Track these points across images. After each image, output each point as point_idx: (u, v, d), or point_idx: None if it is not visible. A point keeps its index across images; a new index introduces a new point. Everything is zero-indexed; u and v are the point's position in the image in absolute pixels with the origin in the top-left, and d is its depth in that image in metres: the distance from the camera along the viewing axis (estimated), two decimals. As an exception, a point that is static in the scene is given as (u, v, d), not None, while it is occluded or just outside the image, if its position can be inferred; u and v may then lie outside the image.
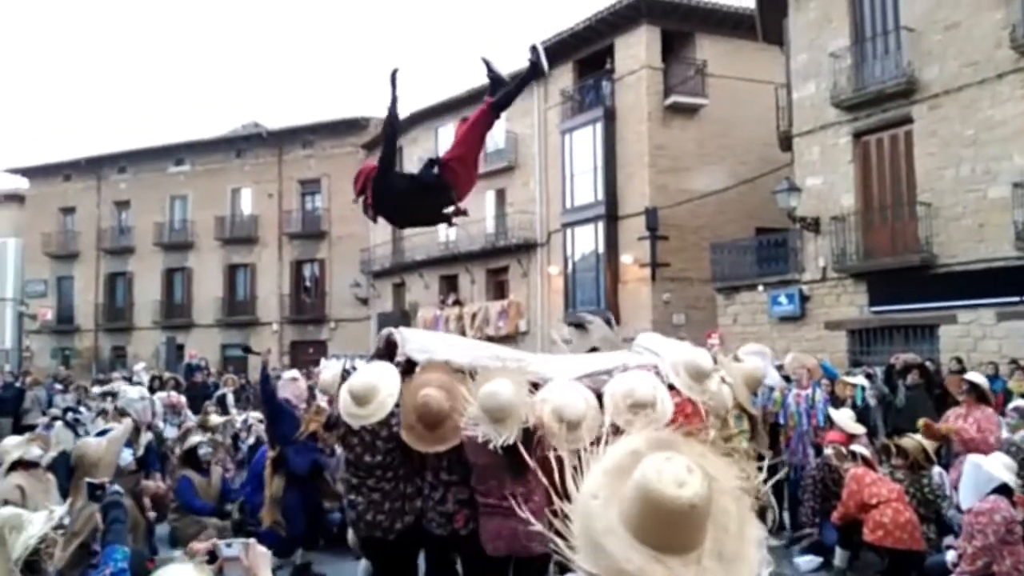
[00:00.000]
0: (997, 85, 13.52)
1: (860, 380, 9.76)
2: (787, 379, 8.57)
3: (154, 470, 8.28)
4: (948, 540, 6.15)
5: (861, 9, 15.96)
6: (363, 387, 4.80)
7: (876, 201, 15.60)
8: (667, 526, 1.56)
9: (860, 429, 7.61)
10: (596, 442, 1.79)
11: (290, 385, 7.40)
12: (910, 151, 14.89)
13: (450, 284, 27.02)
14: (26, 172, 37.79)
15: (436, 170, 4.39)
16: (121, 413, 9.00)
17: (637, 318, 19.17)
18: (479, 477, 4.47)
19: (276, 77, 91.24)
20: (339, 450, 6.42)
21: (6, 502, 4.55)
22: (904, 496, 6.37)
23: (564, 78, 23.21)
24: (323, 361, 11.32)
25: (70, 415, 11.31)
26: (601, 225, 21.34)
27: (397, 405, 4.76)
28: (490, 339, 23.28)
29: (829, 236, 15.92)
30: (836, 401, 8.85)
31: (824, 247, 16.07)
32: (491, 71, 4.62)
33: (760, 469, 2.02)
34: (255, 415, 9.33)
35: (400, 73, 4.22)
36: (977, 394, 7.10)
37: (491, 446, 4.10)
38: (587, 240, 21.89)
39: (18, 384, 16.20)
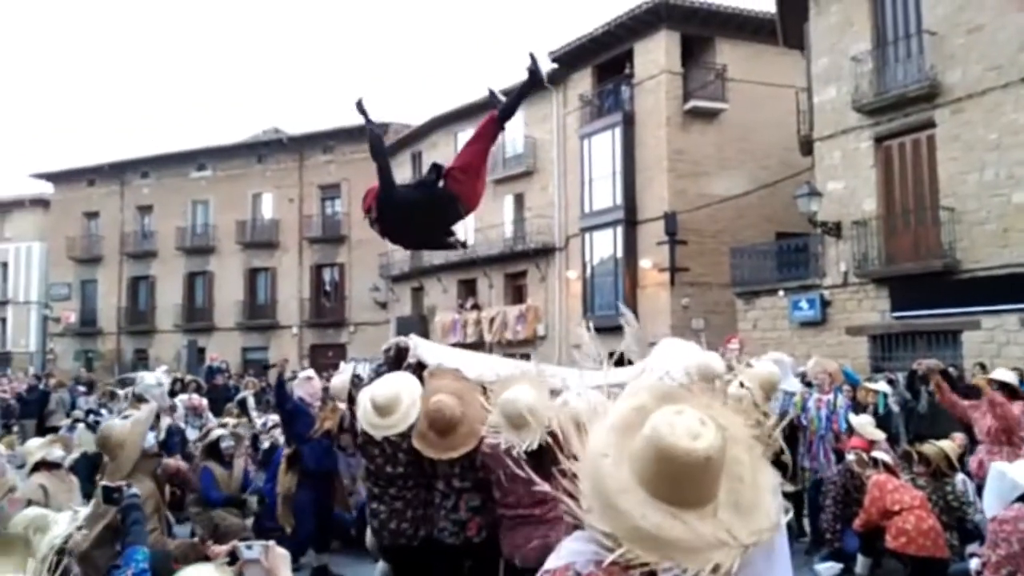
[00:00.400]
0: (1021, 89, 13.38)
1: (883, 386, 9.67)
2: (808, 384, 8.50)
3: (174, 452, 8.36)
4: (971, 548, 6.08)
5: (883, 12, 15.83)
6: (386, 398, 4.76)
7: (898, 206, 15.46)
8: (682, 480, 1.53)
9: (879, 435, 7.53)
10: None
11: (305, 384, 7.47)
12: (933, 155, 14.74)
13: (468, 288, 27.06)
14: (51, 177, 38.31)
15: (439, 179, 4.37)
16: (138, 399, 9.06)
17: (656, 323, 19.09)
18: (504, 487, 4.38)
19: (296, 83, 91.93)
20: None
21: (29, 502, 4.60)
22: (927, 503, 6.30)
23: (583, 83, 23.22)
24: (342, 365, 11.41)
25: (92, 417, 11.46)
26: (620, 230, 21.30)
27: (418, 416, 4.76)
28: (508, 343, 23.34)
29: (850, 241, 15.78)
30: (858, 407, 8.78)
31: (845, 252, 15.94)
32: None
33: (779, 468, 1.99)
34: (274, 418, 9.40)
35: (366, 101, 4.30)
36: (1009, 391, 6.96)
37: (514, 452, 4.07)
38: (606, 245, 21.85)
39: (42, 386, 16.40)
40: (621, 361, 5.59)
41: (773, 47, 20.17)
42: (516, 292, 25.80)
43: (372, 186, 4.46)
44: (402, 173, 30.50)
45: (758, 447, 1.70)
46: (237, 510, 7.60)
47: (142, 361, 33.38)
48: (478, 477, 4.63)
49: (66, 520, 3.15)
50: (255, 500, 8.04)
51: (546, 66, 23.69)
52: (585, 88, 23.13)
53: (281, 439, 8.22)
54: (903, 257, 15.07)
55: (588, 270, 22.39)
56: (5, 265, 39.86)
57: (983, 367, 11.84)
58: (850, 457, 7.22)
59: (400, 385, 4.89)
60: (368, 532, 5.89)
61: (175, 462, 6.84)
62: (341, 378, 6.98)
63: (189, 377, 17.10)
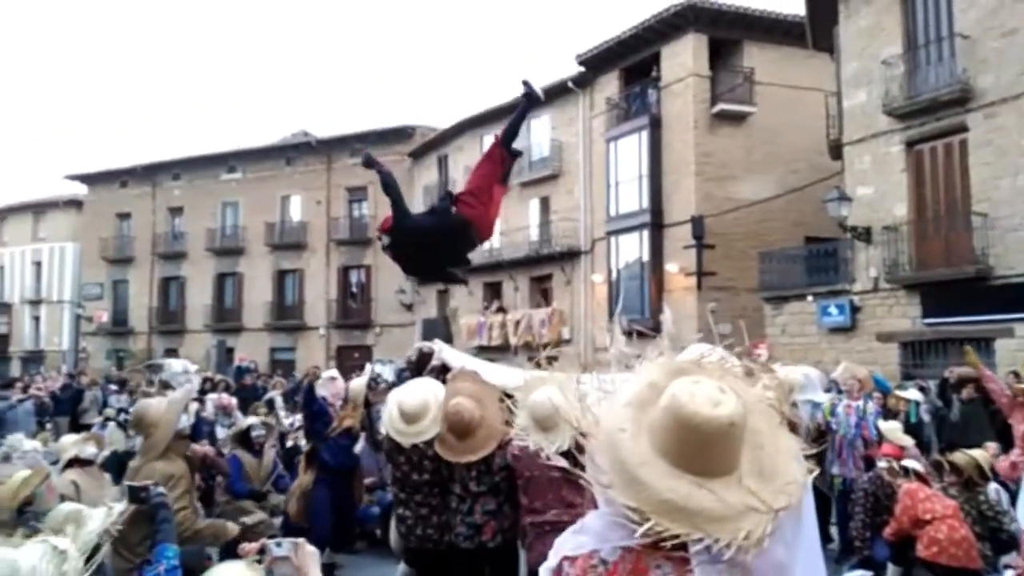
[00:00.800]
0: (1056, 93, 13.16)
1: (914, 395, 9.52)
2: (839, 391, 8.41)
3: (201, 437, 8.45)
4: (1006, 559, 5.98)
5: (914, 16, 15.63)
6: (414, 405, 4.75)
7: (930, 211, 15.24)
8: (706, 448, 1.51)
9: (908, 441, 7.42)
10: None
11: (328, 384, 7.58)
12: (965, 160, 14.52)
13: (494, 291, 27.09)
14: (85, 179, 38.95)
15: (452, 205, 4.45)
16: (164, 386, 9.15)
17: (682, 328, 18.94)
18: (533, 492, 4.36)
19: (325, 87, 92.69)
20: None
21: (63, 498, 4.68)
22: (959, 512, 6.20)
23: (610, 86, 23.17)
24: (366, 367, 11.53)
25: (123, 416, 11.61)
26: (646, 233, 21.20)
27: None
28: (530, 347, 23.30)
29: (881, 246, 15.58)
30: (888, 415, 8.66)
31: (875, 257, 15.74)
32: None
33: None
34: (301, 418, 9.48)
35: (370, 159, 4.70)
36: None
37: (543, 456, 4.05)
38: (632, 248, 21.77)
39: (75, 385, 16.66)
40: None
41: (802, 50, 20.00)
42: (541, 295, 25.78)
43: (388, 215, 4.56)
44: (428, 176, 30.65)
45: (775, 416, 1.68)
46: (257, 503, 7.64)
47: (172, 361, 33.80)
48: (494, 481, 4.62)
49: (101, 515, 3.20)
50: (280, 497, 8.07)
51: (572, 69, 23.73)
52: (612, 91, 23.07)
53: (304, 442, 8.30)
54: (934, 263, 14.85)
55: (614, 274, 22.33)
56: (39, 265, 40.60)
57: (1016, 375, 11.61)
58: (881, 465, 7.12)
59: (427, 392, 4.88)
60: (392, 532, 5.91)
61: (202, 447, 6.92)
62: (359, 382, 7.14)
63: (219, 377, 17.30)
